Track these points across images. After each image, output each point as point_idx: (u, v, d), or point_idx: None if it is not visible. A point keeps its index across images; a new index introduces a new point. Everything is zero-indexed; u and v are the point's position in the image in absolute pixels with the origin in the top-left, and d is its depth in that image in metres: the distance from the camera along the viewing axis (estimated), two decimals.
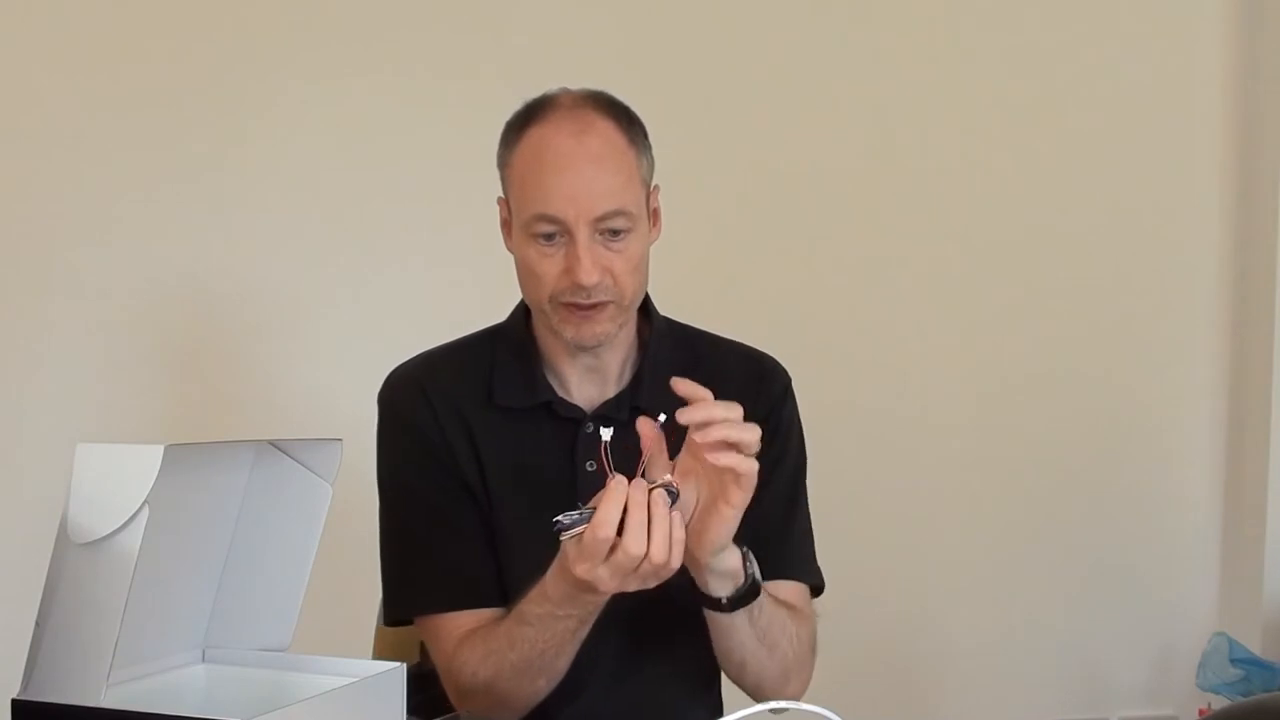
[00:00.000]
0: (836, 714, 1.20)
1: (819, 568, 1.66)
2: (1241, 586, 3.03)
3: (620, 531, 1.28)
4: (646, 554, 1.27)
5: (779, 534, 1.59)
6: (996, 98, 2.97)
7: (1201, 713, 2.79)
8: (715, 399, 1.57)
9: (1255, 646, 2.83)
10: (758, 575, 1.42)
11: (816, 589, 1.65)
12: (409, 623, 1.61)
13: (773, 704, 1.34)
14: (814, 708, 1.30)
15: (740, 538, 1.39)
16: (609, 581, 1.30)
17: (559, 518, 1.30)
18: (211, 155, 2.63)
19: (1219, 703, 2.69)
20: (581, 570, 1.30)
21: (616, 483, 1.28)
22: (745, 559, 1.41)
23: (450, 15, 2.72)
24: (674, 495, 1.31)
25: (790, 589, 1.59)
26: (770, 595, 1.49)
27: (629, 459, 1.44)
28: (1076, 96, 2.99)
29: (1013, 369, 2.99)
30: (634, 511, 1.27)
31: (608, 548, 1.28)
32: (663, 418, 1.35)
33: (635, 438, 1.53)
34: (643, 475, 1.32)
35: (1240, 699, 2.57)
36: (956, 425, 2.98)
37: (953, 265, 2.97)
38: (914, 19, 2.94)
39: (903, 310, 2.95)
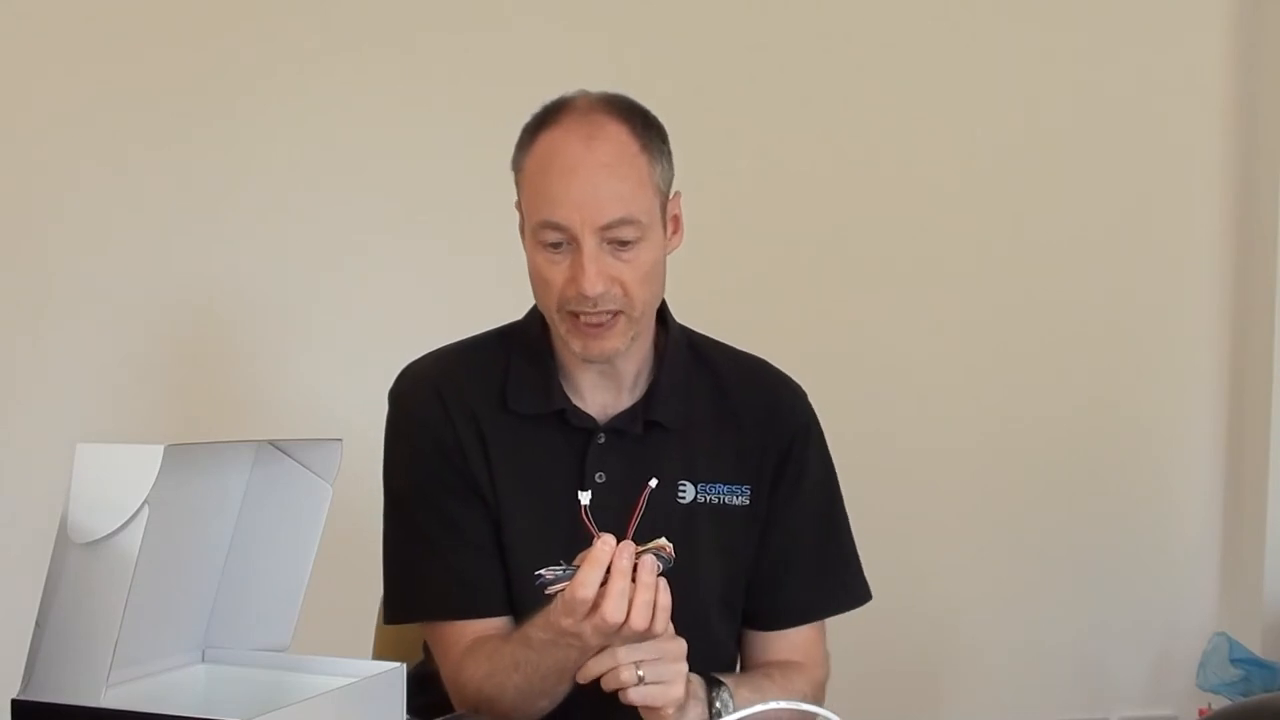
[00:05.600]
0: (836, 715, 1.20)
1: (859, 581, 1.65)
2: (1241, 586, 3.03)
3: (603, 594, 1.26)
4: (626, 621, 1.26)
5: (797, 578, 1.60)
6: (998, 104, 2.97)
7: (1201, 713, 2.78)
8: (726, 424, 1.58)
9: (1255, 646, 2.83)
10: (727, 703, 1.42)
11: (859, 601, 1.65)
12: (409, 621, 1.61)
13: (773, 704, 1.35)
14: (814, 708, 1.30)
15: (764, 577, 1.45)
16: (592, 638, 1.30)
17: (541, 572, 1.28)
18: (211, 155, 2.63)
19: (1219, 703, 2.69)
20: (566, 625, 1.30)
21: (602, 544, 1.26)
22: (710, 697, 1.41)
23: (457, 13, 2.72)
24: (665, 562, 1.28)
25: (800, 640, 1.60)
26: (761, 676, 1.51)
27: (636, 471, 1.43)
28: (1077, 102, 2.99)
29: (1014, 370, 2.99)
30: (615, 579, 1.25)
31: (587, 608, 1.27)
32: (654, 482, 1.34)
33: (646, 450, 1.53)
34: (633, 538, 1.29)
35: (1240, 699, 2.57)
36: (957, 426, 2.98)
37: (956, 271, 2.97)
38: (917, 27, 2.93)
39: (905, 315, 2.95)
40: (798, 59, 2.89)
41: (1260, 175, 3.01)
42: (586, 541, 1.32)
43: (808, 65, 2.89)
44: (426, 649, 1.63)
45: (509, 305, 1.63)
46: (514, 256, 1.56)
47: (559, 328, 1.49)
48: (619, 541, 1.27)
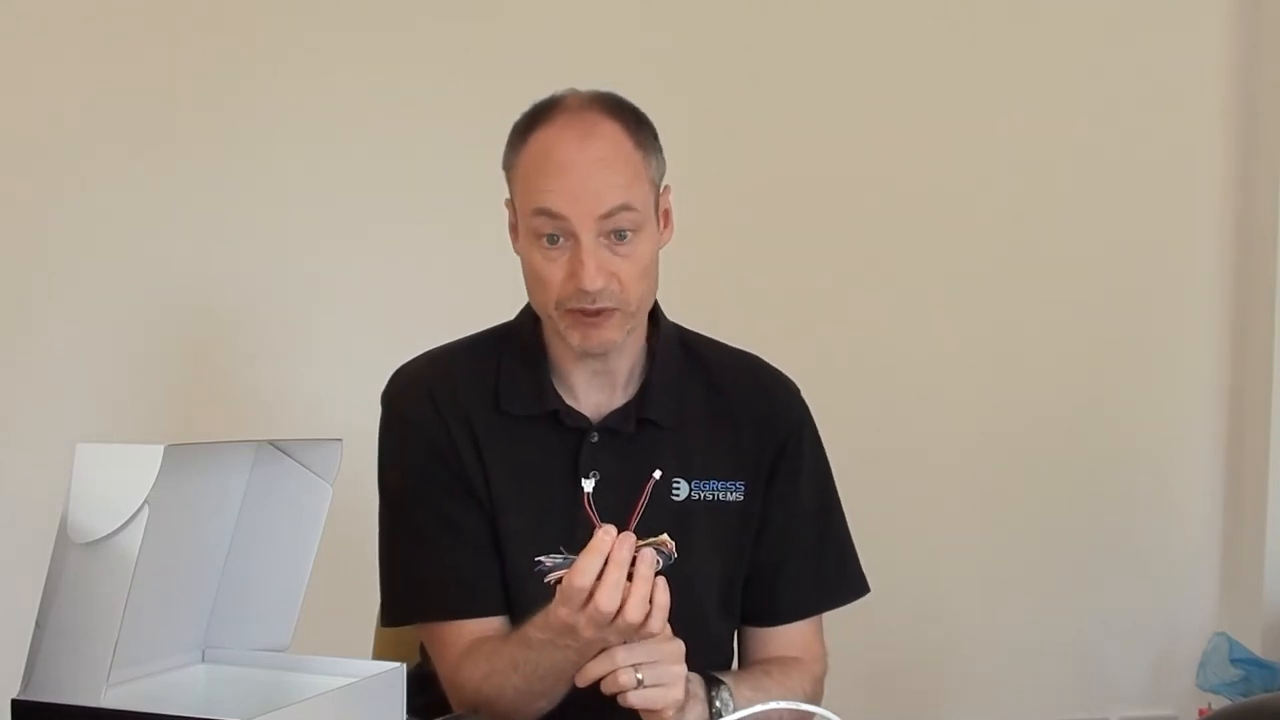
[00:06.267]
0: (837, 715, 1.20)
1: (857, 574, 1.66)
2: (1241, 586, 3.03)
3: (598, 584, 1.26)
4: (620, 612, 1.26)
5: (794, 574, 1.60)
6: (998, 104, 2.96)
7: (1201, 713, 2.78)
8: (720, 421, 1.58)
9: (1255, 646, 2.83)
10: (727, 702, 1.43)
11: (856, 594, 1.65)
12: (407, 623, 1.61)
13: (773, 704, 1.35)
14: (813, 708, 1.30)
15: (761, 573, 1.46)
16: (587, 630, 1.30)
17: (541, 559, 1.29)
18: (210, 155, 2.63)
19: (1219, 703, 2.69)
20: (562, 614, 1.30)
21: (603, 533, 1.27)
22: (710, 697, 1.42)
23: (453, 10, 2.72)
24: (666, 558, 1.28)
25: (798, 635, 1.60)
26: (760, 673, 1.52)
27: (630, 469, 1.43)
28: (1077, 103, 2.99)
29: (1014, 371, 2.99)
30: (612, 569, 1.26)
31: (584, 597, 1.27)
32: (658, 474, 1.34)
33: (640, 448, 1.53)
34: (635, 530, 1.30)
35: (1240, 699, 2.57)
36: (957, 426, 2.98)
37: (956, 272, 2.96)
38: (917, 27, 2.93)
39: (906, 316, 2.95)
40: (798, 59, 2.89)
41: (1260, 175, 3.01)
42: (583, 540, 1.33)
43: (808, 65, 2.89)
44: (424, 649, 1.63)
45: (509, 304, 1.63)
46: (514, 256, 1.56)
47: (557, 324, 1.48)
48: (620, 532, 1.28)
